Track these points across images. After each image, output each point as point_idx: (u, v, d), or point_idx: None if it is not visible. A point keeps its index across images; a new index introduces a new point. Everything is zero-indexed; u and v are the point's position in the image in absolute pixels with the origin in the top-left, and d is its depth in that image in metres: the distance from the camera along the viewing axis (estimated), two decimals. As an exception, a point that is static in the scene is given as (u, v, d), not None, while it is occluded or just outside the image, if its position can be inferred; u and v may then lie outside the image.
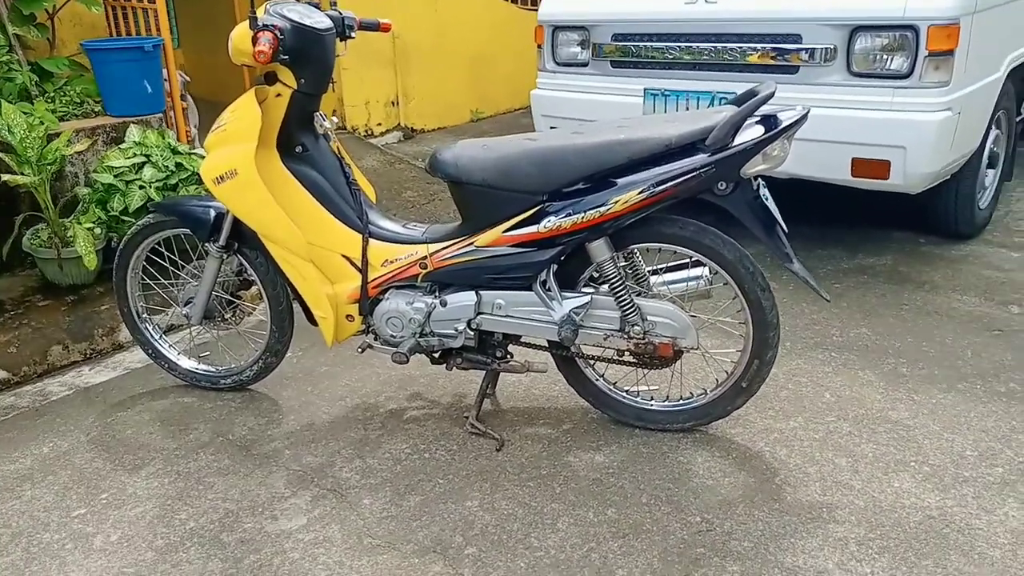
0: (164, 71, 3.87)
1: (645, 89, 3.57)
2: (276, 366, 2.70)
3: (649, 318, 2.18)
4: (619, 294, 2.16)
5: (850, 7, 3.00)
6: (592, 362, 2.36)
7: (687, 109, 3.46)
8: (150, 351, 2.79)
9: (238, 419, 2.59)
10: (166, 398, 2.75)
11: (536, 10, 4.03)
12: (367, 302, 2.37)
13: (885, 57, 2.99)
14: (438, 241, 2.29)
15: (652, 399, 2.39)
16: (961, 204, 3.53)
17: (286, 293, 2.54)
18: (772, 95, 1.94)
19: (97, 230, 3.25)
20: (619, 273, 2.15)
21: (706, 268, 2.22)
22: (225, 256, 2.53)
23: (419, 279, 2.32)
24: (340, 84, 5.40)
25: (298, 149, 2.34)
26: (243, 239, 2.48)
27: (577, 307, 2.20)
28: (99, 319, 3.16)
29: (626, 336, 2.20)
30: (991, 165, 3.69)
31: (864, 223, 4.00)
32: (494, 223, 2.18)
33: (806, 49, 3.11)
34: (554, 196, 2.10)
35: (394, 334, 2.36)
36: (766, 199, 2.05)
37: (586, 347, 2.33)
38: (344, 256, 2.36)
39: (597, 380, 2.40)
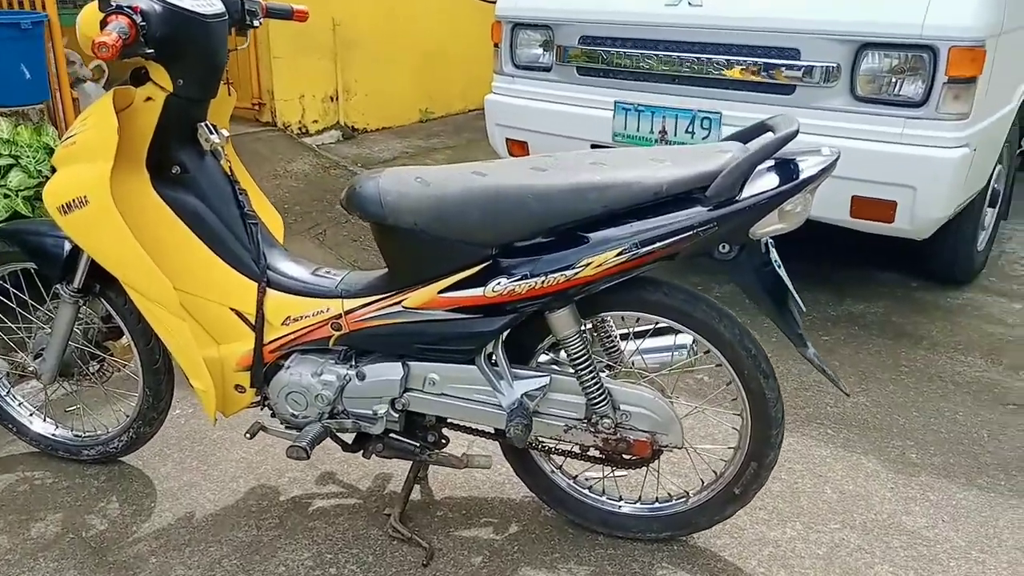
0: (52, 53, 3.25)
1: (616, 103, 3.10)
2: (151, 436, 2.15)
3: (622, 407, 1.71)
4: (585, 377, 1.68)
5: (858, 19, 2.57)
6: (547, 452, 1.88)
7: (663, 128, 3.00)
8: (-9, 410, 2.21)
9: (98, 506, 2.03)
10: (12, 471, 2.18)
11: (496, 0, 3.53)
12: (262, 370, 1.84)
13: (895, 81, 2.57)
14: (357, 296, 1.78)
15: (621, 500, 1.92)
16: (961, 248, 3.15)
17: (162, 348, 2.00)
18: (795, 134, 1.48)
19: (-55, 247, 2.63)
20: (587, 351, 1.67)
21: (690, 335, 1.76)
22: (82, 301, 1.97)
23: (331, 342, 1.81)
24: (271, 75, 4.81)
25: (175, 170, 1.80)
26: (107, 280, 1.93)
27: (532, 391, 1.71)
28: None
29: (592, 429, 1.72)
30: (991, 203, 3.32)
31: (850, 262, 3.60)
32: (428, 279, 1.68)
33: (804, 67, 2.68)
34: (507, 250, 1.61)
35: (296, 413, 1.84)
36: (778, 266, 1.59)
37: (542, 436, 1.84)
38: (234, 310, 1.83)
39: (553, 473, 1.92)
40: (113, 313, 2.00)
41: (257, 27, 1.92)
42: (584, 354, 1.66)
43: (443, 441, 1.91)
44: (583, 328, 1.67)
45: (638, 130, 3.06)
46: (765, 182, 1.51)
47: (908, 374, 2.70)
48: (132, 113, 1.72)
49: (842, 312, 3.15)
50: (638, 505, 1.91)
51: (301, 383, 1.81)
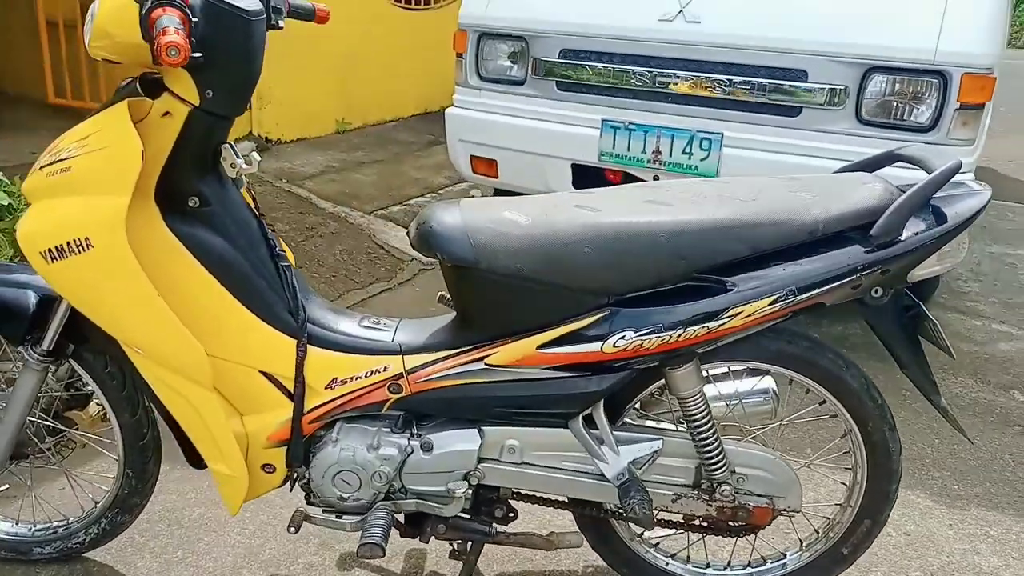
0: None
1: (603, 120, 2.92)
2: (128, 526, 1.74)
3: (738, 470, 1.52)
4: (705, 440, 1.47)
5: (870, 43, 2.53)
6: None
7: (656, 148, 2.85)
8: (-94, 506, 1.72)
9: (67, 623, 1.61)
10: (-66, 581, 1.70)
11: (419, 10, 3.24)
12: (301, 445, 1.51)
13: (903, 105, 2.55)
14: (421, 351, 1.49)
15: (708, 567, 1.72)
16: (932, 268, 3.20)
17: (150, 420, 1.62)
18: (957, 170, 1.35)
19: None
20: (708, 410, 1.46)
21: (770, 377, 1.60)
22: (53, 367, 1.56)
23: (385, 407, 1.51)
24: (180, 80, 4.28)
25: (192, 203, 1.43)
26: (82, 337, 1.53)
27: (642, 457, 1.49)
28: None
29: (706, 497, 1.52)
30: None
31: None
32: (522, 332, 1.42)
33: (812, 88, 2.61)
34: (626, 298, 1.38)
35: (345, 496, 1.51)
36: (924, 309, 1.46)
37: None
38: (264, 373, 1.49)
39: (633, 541, 1.70)
40: (89, 379, 1.59)
41: (281, 28, 1.58)
42: (706, 413, 1.46)
43: (511, 515, 1.64)
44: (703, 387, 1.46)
45: (628, 149, 2.90)
46: (915, 221, 1.37)
47: (912, 398, 2.68)
48: (143, 131, 1.35)
49: (825, 335, 3.12)
50: (728, 571, 1.72)
51: (355, 459, 1.49)
